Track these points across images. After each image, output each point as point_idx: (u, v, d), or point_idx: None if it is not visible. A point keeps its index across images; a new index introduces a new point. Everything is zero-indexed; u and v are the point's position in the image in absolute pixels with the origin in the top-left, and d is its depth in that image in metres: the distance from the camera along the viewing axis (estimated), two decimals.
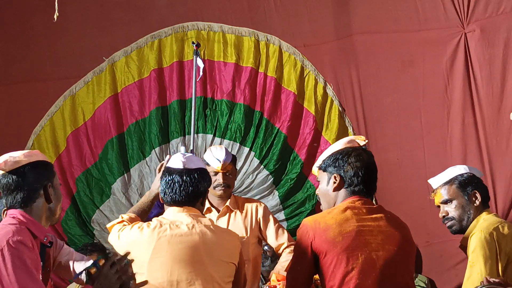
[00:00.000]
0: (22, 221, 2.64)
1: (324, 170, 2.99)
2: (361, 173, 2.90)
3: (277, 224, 4.32)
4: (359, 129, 5.65)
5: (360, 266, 2.76)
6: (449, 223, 3.47)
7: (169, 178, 3.13)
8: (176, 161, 3.19)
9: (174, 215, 3.13)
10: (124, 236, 3.11)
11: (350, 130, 5.70)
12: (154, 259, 3.03)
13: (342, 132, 5.69)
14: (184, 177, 3.11)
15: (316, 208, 5.64)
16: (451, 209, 3.46)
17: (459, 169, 3.53)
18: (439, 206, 3.52)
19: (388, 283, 2.78)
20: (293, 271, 2.91)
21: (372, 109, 5.65)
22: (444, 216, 3.48)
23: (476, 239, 3.23)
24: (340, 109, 5.75)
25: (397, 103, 5.57)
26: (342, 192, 2.94)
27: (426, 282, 5.27)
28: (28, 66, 6.03)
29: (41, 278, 2.62)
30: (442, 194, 3.49)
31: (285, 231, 4.33)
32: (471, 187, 3.46)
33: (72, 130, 5.94)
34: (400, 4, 5.53)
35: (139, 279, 3.05)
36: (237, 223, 4.25)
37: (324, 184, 2.99)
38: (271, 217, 4.33)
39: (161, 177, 3.20)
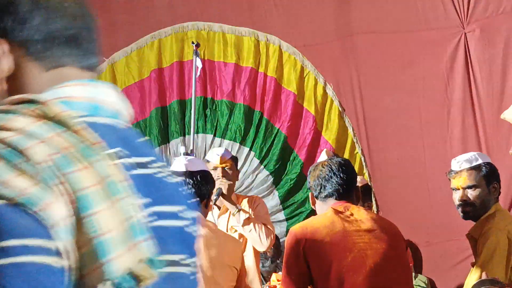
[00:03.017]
0: None
1: None
2: (319, 179, 2.93)
3: (265, 215, 4.40)
4: (359, 129, 5.64)
5: (349, 264, 2.77)
6: (467, 208, 3.35)
7: None
8: (178, 164, 3.19)
9: None
10: None
11: (350, 130, 5.69)
12: None
13: (342, 132, 5.68)
14: (187, 180, 3.11)
15: None
16: (474, 195, 3.35)
17: (484, 157, 3.48)
18: (456, 189, 3.41)
19: (381, 277, 2.80)
20: (287, 282, 2.86)
21: (372, 109, 5.64)
22: (464, 201, 3.35)
23: (493, 237, 3.18)
24: (340, 109, 5.75)
25: (397, 103, 5.56)
26: (318, 202, 2.99)
27: (426, 282, 5.26)
28: None
29: None
30: (468, 178, 3.37)
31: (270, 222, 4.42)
32: (493, 179, 3.40)
33: None
34: (400, 4, 5.52)
35: None
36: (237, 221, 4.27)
37: None
38: (261, 209, 4.38)
39: None
